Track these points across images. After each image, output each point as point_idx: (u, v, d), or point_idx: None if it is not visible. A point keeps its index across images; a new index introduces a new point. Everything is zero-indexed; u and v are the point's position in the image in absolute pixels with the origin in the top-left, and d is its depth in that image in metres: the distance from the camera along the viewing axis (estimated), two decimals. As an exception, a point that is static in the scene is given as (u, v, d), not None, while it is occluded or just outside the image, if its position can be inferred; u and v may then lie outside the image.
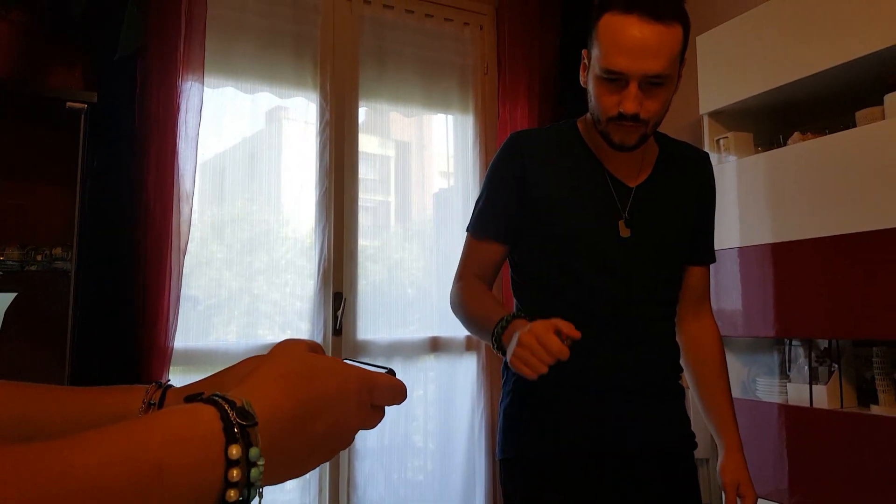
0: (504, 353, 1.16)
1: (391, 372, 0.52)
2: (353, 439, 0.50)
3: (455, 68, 2.94)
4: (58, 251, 1.84)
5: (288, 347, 0.48)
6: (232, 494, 0.37)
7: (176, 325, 2.09)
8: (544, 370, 1.03)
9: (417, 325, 2.76)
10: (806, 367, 2.19)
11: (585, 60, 1.30)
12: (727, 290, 2.41)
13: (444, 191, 2.98)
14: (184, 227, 2.12)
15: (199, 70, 2.20)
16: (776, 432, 2.19)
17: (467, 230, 1.43)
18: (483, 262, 1.39)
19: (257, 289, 2.47)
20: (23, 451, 0.31)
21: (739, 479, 1.34)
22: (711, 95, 2.55)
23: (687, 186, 1.41)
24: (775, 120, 2.56)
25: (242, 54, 2.46)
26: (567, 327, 1.05)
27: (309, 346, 0.49)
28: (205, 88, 2.23)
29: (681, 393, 1.37)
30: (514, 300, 1.46)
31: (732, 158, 2.49)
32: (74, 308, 1.73)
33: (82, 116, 1.79)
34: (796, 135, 2.32)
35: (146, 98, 2.09)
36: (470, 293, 1.34)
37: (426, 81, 2.87)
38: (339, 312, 2.57)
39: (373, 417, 0.50)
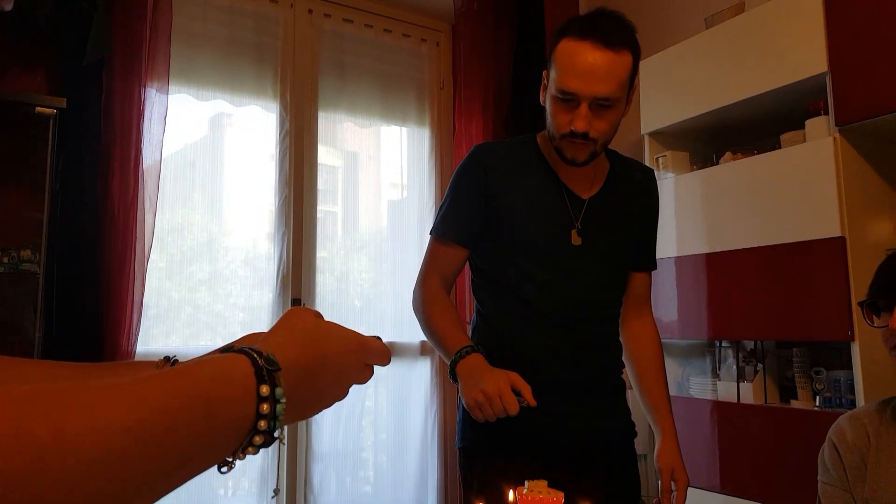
0: (456, 380, 1.28)
1: (378, 338, 0.64)
2: (348, 391, 0.61)
3: (413, 82, 3.05)
4: (26, 253, 1.85)
5: (299, 314, 0.59)
6: (262, 424, 0.47)
7: (139, 330, 2.12)
8: (493, 419, 1.17)
9: (368, 331, 2.83)
10: (734, 367, 2.39)
11: (545, 81, 1.40)
12: (665, 296, 2.60)
13: (397, 202, 3.05)
14: (147, 234, 2.15)
15: (164, 77, 2.23)
16: (708, 426, 2.38)
17: (431, 233, 1.51)
18: (445, 264, 1.48)
19: (201, 299, 2.48)
20: (109, 385, 0.40)
21: (674, 465, 1.45)
22: (652, 117, 2.75)
23: (634, 200, 1.54)
24: (709, 141, 2.78)
25: (204, 63, 2.50)
26: (526, 391, 1.17)
27: (315, 314, 0.61)
28: (168, 96, 2.27)
29: (622, 387, 1.51)
30: (474, 299, 1.56)
31: (670, 175, 2.69)
32: (42, 310, 1.75)
33: (51, 121, 1.81)
34: (728, 154, 2.53)
35: (111, 104, 2.11)
36: (431, 304, 1.43)
37: (385, 94, 2.96)
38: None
39: (365, 374, 0.62)
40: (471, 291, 1.59)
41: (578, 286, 1.42)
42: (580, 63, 1.29)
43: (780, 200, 2.24)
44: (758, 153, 2.40)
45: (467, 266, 1.56)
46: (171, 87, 2.37)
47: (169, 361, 0.72)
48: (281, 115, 2.70)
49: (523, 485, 0.92)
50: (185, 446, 0.42)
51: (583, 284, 1.43)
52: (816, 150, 2.17)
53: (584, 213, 1.45)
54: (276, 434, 0.49)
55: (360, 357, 0.61)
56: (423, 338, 2.88)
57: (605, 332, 1.48)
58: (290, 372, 0.51)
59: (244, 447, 0.48)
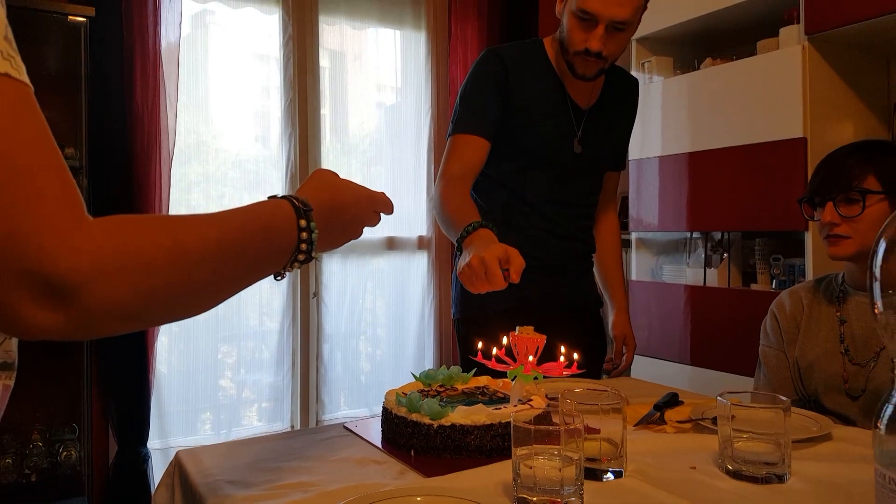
0: (458, 246, 1.31)
1: (383, 193, 0.89)
2: (362, 232, 0.86)
3: (408, -15, 3.10)
4: (69, 151, 2.03)
5: (322, 173, 0.83)
6: (303, 246, 0.71)
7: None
8: (482, 291, 1.15)
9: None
10: (703, 255, 2.66)
11: None
12: (647, 193, 2.83)
13: (392, 106, 3.13)
14: (171, 135, 2.32)
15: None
16: (678, 307, 2.68)
17: (450, 133, 1.54)
18: (465, 159, 1.50)
19: (195, 199, 2.56)
20: (203, 215, 0.61)
21: (625, 332, 1.74)
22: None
23: (623, 108, 1.71)
24: (692, 46, 2.92)
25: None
26: (516, 267, 1.13)
27: (334, 174, 0.84)
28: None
29: (591, 269, 1.76)
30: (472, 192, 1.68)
31: (658, 79, 2.84)
32: (88, 201, 1.95)
33: (82, 29, 1.93)
34: (708, 60, 2.68)
35: (131, 12, 2.22)
36: (448, 195, 1.44)
37: (381, -3, 3.03)
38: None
39: (374, 219, 0.88)
40: None
41: (572, 189, 1.61)
42: None
43: (754, 104, 2.42)
44: (736, 59, 2.55)
45: None
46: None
47: None
48: (283, 20, 2.79)
49: (515, 330, 1.15)
50: (252, 257, 0.65)
51: (576, 187, 1.62)
52: (787, 57, 2.33)
53: (585, 123, 1.59)
54: (313, 254, 0.72)
55: (370, 205, 0.86)
56: (421, 233, 3.17)
57: (585, 227, 1.70)
58: (319, 213, 0.73)
59: (291, 262, 0.71)
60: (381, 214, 0.89)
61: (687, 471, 0.88)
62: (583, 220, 1.68)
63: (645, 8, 1.47)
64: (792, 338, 1.45)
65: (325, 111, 2.93)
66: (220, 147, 2.70)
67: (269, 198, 0.73)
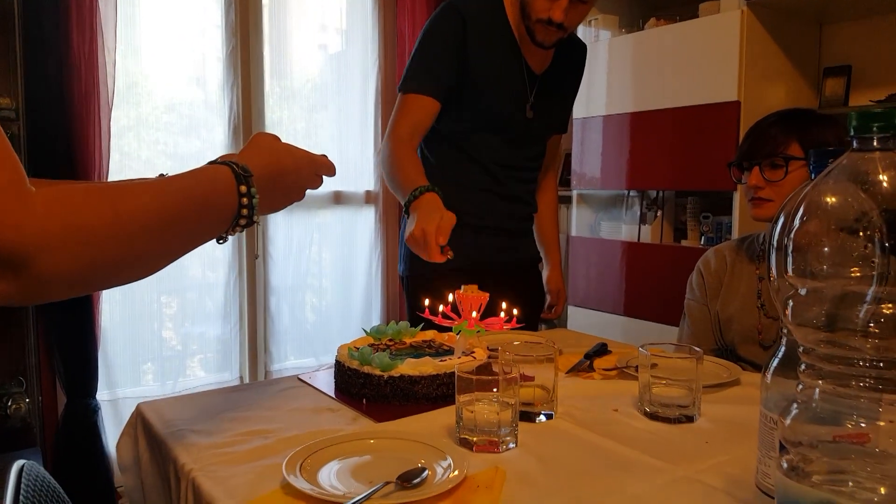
0: (405, 209, 1.36)
1: (325, 156, 0.92)
2: (304, 194, 0.89)
3: (356, -69, 3.03)
4: (5, 101, 1.96)
5: (262, 136, 0.86)
6: (244, 212, 0.74)
7: (108, 173, 2.29)
8: (425, 260, 1.22)
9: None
10: (638, 213, 2.79)
11: None
12: (590, 153, 2.92)
13: (337, 54, 3.08)
14: (109, 81, 2.25)
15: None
16: (614, 262, 2.82)
17: (400, 90, 1.54)
18: (415, 119, 1.50)
19: (127, 145, 2.48)
20: (142, 183, 0.64)
21: (559, 286, 1.88)
22: (586, -20, 2.90)
23: (572, 74, 1.76)
24: (637, 6, 2.98)
25: None
26: (444, 239, 1.21)
27: (274, 137, 0.86)
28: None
29: (532, 229, 1.83)
30: (422, 147, 1.65)
31: (605, 37, 2.90)
32: (24, 150, 1.89)
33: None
34: (652, 20, 2.76)
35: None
36: (396, 156, 1.46)
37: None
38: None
39: (316, 182, 0.91)
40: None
41: (521, 153, 1.66)
42: None
43: (694, 66, 2.52)
44: (679, 20, 2.63)
45: None
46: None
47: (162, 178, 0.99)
48: (226, -38, 2.71)
49: (460, 288, 1.22)
50: (193, 224, 0.68)
51: (525, 151, 1.67)
52: (726, 20, 2.42)
53: (537, 89, 1.62)
54: (254, 219, 0.75)
55: (311, 168, 0.89)
56: (368, 187, 3.19)
57: (530, 189, 1.76)
58: (259, 178, 0.76)
59: (233, 227, 0.75)
60: (324, 177, 0.93)
61: (610, 413, 0.98)
62: (529, 183, 1.74)
63: None
64: (715, 293, 1.56)
65: (266, 52, 2.85)
66: (153, 89, 2.61)
67: (209, 163, 0.75)
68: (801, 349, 0.48)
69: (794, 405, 0.48)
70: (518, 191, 1.69)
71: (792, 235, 0.48)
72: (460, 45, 1.52)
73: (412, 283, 1.68)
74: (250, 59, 2.79)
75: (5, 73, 2.05)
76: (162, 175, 0.98)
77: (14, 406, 2.15)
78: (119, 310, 2.54)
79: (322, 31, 3.06)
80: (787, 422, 0.47)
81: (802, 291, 0.48)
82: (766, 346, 1.46)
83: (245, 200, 0.73)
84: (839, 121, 1.43)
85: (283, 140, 0.88)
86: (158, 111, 2.63)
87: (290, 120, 2.97)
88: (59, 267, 0.52)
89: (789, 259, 0.48)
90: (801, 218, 0.48)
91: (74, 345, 2.33)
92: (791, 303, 0.49)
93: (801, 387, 0.48)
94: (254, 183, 0.74)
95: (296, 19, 2.94)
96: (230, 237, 0.76)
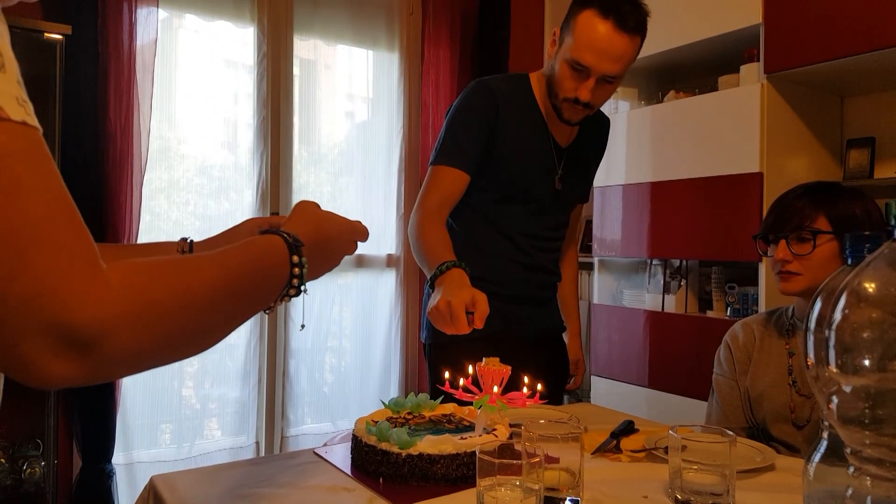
0: (430, 283, 1.35)
1: (359, 222, 0.91)
2: (340, 261, 0.89)
3: (382, 8, 3.16)
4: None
5: (306, 205, 0.86)
6: (294, 282, 0.73)
7: (138, 234, 2.33)
8: (447, 333, 1.22)
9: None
10: (661, 282, 2.75)
11: (556, 37, 1.51)
12: (611, 220, 2.92)
13: (364, 122, 3.16)
14: (143, 152, 2.32)
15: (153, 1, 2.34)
16: (637, 331, 2.77)
17: (432, 163, 1.57)
18: (445, 191, 1.53)
19: (158, 207, 2.54)
20: (202, 257, 0.63)
21: (578, 356, 1.87)
22: (607, 53, 2.97)
23: (596, 146, 1.79)
24: (657, 79, 3.04)
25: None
26: (480, 313, 1.20)
27: (316, 205, 0.87)
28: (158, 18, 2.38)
29: (555, 297, 1.82)
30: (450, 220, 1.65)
31: (624, 108, 2.94)
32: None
33: (58, 47, 1.93)
34: (672, 93, 2.80)
35: (107, 29, 2.23)
36: (425, 228, 1.47)
37: (355, 18, 3.08)
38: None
39: (352, 248, 0.91)
40: None
41: (546, 223, 1.67)
42: (599, 41, 1.40)
43: (714, 138, 2.53)
44: (699, 93, 2.67)
45: None
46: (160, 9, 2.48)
47: (186, 241, 1.01)
48: (258, 37, 2.82)
49: (481, 361, 1.20)
50: (251, 295, 0.68)
51: (550, 221, 1.69)
52: (746, 93, 2.44)
53: (565, 161, 1.66)
54: (302, 288, 0.75)
55: (350, 235, 0.90)
56: (390, 251, 3.21)
57: (554, 259, 1.77)
58: (306, 246, 0.76)
59: (282, 297, 0.74)
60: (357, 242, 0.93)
61: (639, 500, 0.93)
62: (552, 252, 1.74)
63: (633, 62, 1.51)
64: (744, 368, 1.51)
65: (295, 120, 2.94)
66: (185, 153, 2.69)
67: (261, 233, 0.76)
68: (848, 450, 0.46)
69: (844, 512, 0.45)
70: (542, 260, 1.69)
71: (834, 328, 0.46)
72: (491, 120, 1.55)
73: (434, 352, 1.66)
74: (280, 125, 2.87)
75: (44, 136, 2.11)
76: (185, 239, 1.01)
77: (29, 470, 2.12)
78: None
79: (349, 100, 3.16)
80: (837, 530, 0.44)
81: (847, 388, 0.46)
82: (799, 426, 1.40)
83: (297, 270, 0.73)
84: (866, 194, 1.43)
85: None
86: (190, 174, 2.71)
87: (316, 184, 3.03)
88: (132, 345, 0.50)
89: (831, 353, 0.46)
90: (843, 310, 0.46)
91: (94, 406, 2.32)
92: (836, 399, 0.46)
93: (850, 491, 0.45)
94: (303, 252, 0.74)
95: (324, 89, 3.05)
96: (276, 307, 0.76)
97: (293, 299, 0.76)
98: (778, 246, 1.40)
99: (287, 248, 0.73)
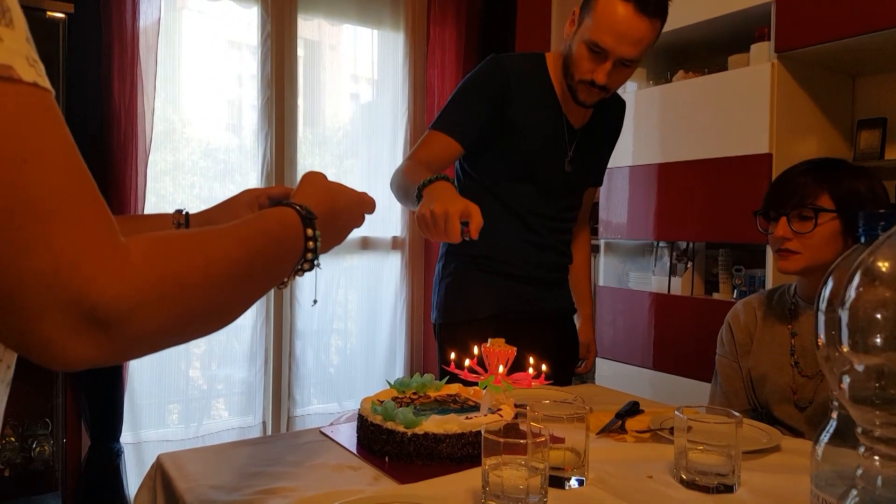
0: (417, 194, 1.26)
1: (366, 193, 0.89)
2: (350, 233, 0.86)
3: (388, -14, 3.13)
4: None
5: (315, 176, 0.84)
6: (309, 256, 0.71)
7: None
8: (434, 241, 1.23)
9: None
10: (668, 264, 2.74)
11: (575, 17, 1.49)
12: (617, 201, 2.90)
13: (368, 103, 3.14)
14: (147, 132, 2.31)
15: (156, -21, 2.32)
16: (643, 313, 2.76)
17: (431, 127, 1.55)
18: (436, 153, 1.51)
19: (163, 188, 2.54)
20: (220, 229, 0.61)
21: (589, 339, 1.87)
22: (615, 32, 2.93)
23: (610, 128, 1.77)
24: (665, 58, 3.00)
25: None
26: (476, 224, 1.12)
27: (324, 176, 0.85)
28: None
29: (566, 278, 1.81)
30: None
31: (632, 89, 2.91)
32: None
33: (61, 26, 1.92)
34: (681, 73, 2.76)
35: (109, 8, 2.21)
36: (410, 169, 1.44)
37: (361, -2, 3.05)
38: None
39: (360, 219, 0.89)
40: None
41: (557, 204, 1.66)
42: (619, 23, 1.38)
43: (723, 118, 2.51)
44: (708, 73, 2.63)
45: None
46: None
47: (182, 213, 0.98)
48: (262, 16, 2.80)
49: (487, 342, 1.20)
50: (268, 270, 0.66)
51: (561, 203, 1.67)
52: (756, 73, 2.41)
53: (576, 144, 1.63)
54: (316, 262, 0.73)
55: (359, 207, 0.88)
56: (395, 233, 3.20)
57: (565, 240, 1.75)
58: (319, 218, 0.74)
59: (296, 271, 0.73)
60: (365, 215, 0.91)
61: (644, 480, 0.93)
62: (563, 234, 1.73)
63: (652, 46, 1.49)
64: (745, 349, 1.50)
65: (300, 102, 2.92)
66: (190, 135, 2.68)
67: (272, 205, 0.73)
68: (859, 430, 0.45)
69: (854, 491, 0.44)
70: (552, 240, 1.68)
71: (847, 307, 0.45)
72: (499, 96, 1.53)
73: (445, 332, 1.66)
74: (285, 107, 2.86)
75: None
76: (180, 211, 0.99)
77: (38, 448, 2.14)
78: (146, 352, 2.55)
79: (354, 82, 3.13)
80: (847, 510, 0.43)
81: (859, 368, 0.45)
82: (801, 407, 1.39)
83: (311, 244, 0.71)
84: (872, 173, 1.39)
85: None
86: (195, 157, 2.70)
87: (321, 166, 3.01)
88: (155, 324, 0.48)
89: (844, 332, 0.46)
90: (857, 288, 0.45)
91: (102, 386, 2.34)
92: (847, 379, 0.46)
93: (860, 470, 0.45)
94: (315, 225, 0.72)
95: (329, 70, 3.02)
96: (289, 283, 0.74)
97: (306, 274, 0.74)
98: (778, 223, 1.36)
99: (301, 221, 0.71)
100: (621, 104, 1.80)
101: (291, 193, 0.80)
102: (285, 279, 0.72)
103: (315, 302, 2.85)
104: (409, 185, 1.33)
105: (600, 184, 1.86)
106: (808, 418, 1.37)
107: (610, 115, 1.74)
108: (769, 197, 1.42)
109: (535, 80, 1.59)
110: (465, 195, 1.59)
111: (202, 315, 0.55)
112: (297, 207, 0.71)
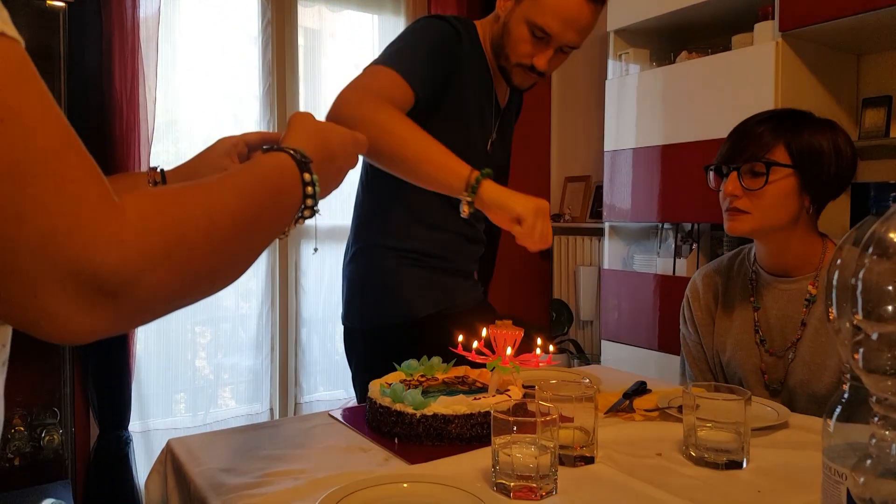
0: (469, 206, 1.12)
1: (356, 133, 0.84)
2: (345, 177, 0.82)
3: (388, -31, 3.11)
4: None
5: (304, 117, 0.77)
6: (309, 202, 0.68)
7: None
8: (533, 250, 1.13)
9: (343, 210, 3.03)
10: (673, 246, 2.74)
11: None
12: (621, 184, 2.89)
13: None
14: (149, 121, 2.31)
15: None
16: (647, 295, 2.76)
17: (383, 62, 1.25)
18: (387, 91, 1.20)
19: None
20: (214, 181, 0.57)
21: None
22: (618, 15, 2.91)
23: (518, 107, 1.61)
24: (668, 39, 2.97)
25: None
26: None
27: (312, 116, 0.79)
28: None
29: None
30: (362, 193, 1.45)
31: (635, 71, 2.89)
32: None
33: (61, 15, 1.91)
34: (684, 53, 2.74)
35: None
36: (399, 116, 1.16)
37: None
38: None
39: (354, 160, 0.84)
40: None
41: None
42: (568, 9, 1.27)
43: (727, 98, 2.49)
44: (711, 53, 2.61)
45: None
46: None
47: (157, 171, 0.93)
48: (262, 4, 2.78)
49: (494, 323, 1.20)
50: (269, 220, 0.62)
51: None
52: (761, 53, 2.39)
53: (499, 124, 1.49)
54: (316, 209, 0.69)
55: (353, 147, 0.83)
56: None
57: (487, 229, 1.54)
58: (314, 162, 0.68)
59: (297, 219, 0.68)
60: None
61: (653, 457, 0.93)
62: (483, 223, 1.52)
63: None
64: (708, 329, 1.40)
65: (301, 90, 2.91)
66: (191, 125, 2.68)
67: (265, 150, 0.69)
68: (873, 398, 0.45)
69: (868, 460, 0.44)
70: (478, 233, 1.52)
71: (861, 275, 0.45)
72: (451, 64, 1.32)
73: (370, 338, 1.47)
74: (286, 95, 2.84)
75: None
76: (154, 169, 0.92)
77: (48, 437, 2.16)
78: (154, 339, 2.57)
79: (355, 68, 3.09)
80: (861, 479, 0.43)
81: (874, 336, 0.45)
82: (773, 389, 1.30)
83: (310, 189, 0.66)
84: (841, 128, 1.26)
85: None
86: (197, 146, 2.66)
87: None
88: (163, 286, 0.45)
89: (859, 300, 0.45)
90: (872, 256, 0.45)
91: (109, 375, 2.35)
92: (862, 348, 0.45)
93: (874, 440, 0.45)
94: (312, 169, 0.67)
95: (329, 58, 3.01)
96: (290, 231, 0.71)
97: (307, 222, 0.70)
98: (728, 178, 1.23)
99: (297, 167, 0.66)
100: None
101: (281, 137, 0.74)
102: (286, 229, 0.69)
103: (315, 250, 2.80)
104: (428, 162, 1.15)
105: (507, 170, 1.64)
106: (783, 403, 1.21)
107: (519, 95, 1.58)
108: (722, 149, 1.28)
109: (471, 50, 1.38)
110: (396, 189, 1.35)
111: (209, 273, 0.52)
112: (292, 152, 0.67)
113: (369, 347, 1.45)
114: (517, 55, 1.34)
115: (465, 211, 1.14)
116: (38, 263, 0.39)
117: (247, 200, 0.57)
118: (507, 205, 1.11)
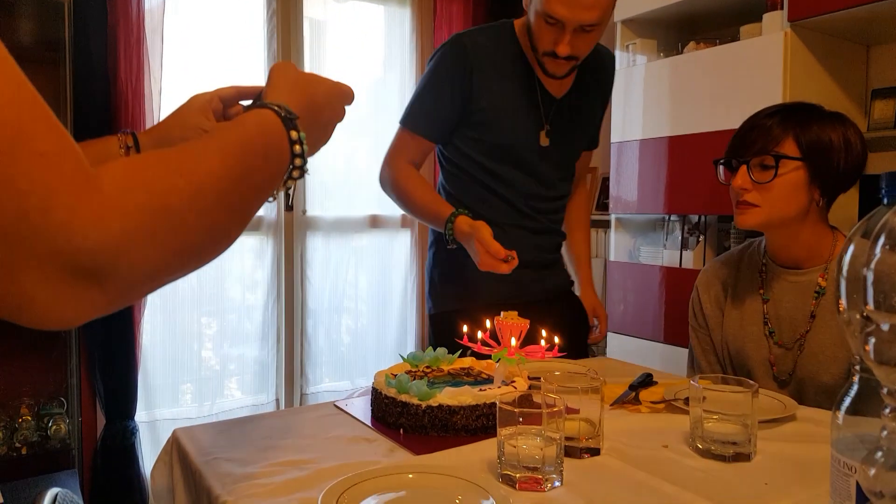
0: (451, 242, 1.41)
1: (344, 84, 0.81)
2: (334, 129, 0.79)
3: (394, -40, 3.09)
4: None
5: (285, 67, 0.73)
6: (297, 161, 0.63)
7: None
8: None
9: (363, 204, 3.04)
10: (679, 238, 2.72)
11: None
12: (627, 175, 2.87)
13: (377, 81, 3.12)
14: (155, 113, 2.31)
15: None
16: (654, 287, 2.75)
17: (400, 123, 1.55)
18: (413, 153, 1.54)
19: None
20: (199, 146, 0.53)
21: (594, 304, 1.76)
22: (625, 4, 2.89)
23: (598, 90, 1.64)
24: (676, 30, 2.95)
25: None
26: (498, 250, 1.31)
27: (294, 66, 0.76)
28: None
29: (560, 259, 1.74)
30: (444, 184, 1.62)
31: (642, 61, 2.87)
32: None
33: (66, 6, 1.91)
34: (692, 44, 2.72)
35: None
36: (405, 179, 1.51)
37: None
38: (291, 191, 2.81)
39: (342, 113, 0.78)
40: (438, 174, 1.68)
41: (541, 182, 1.56)
42: None
43: (735, 89, 2.47)
44: (719, 43, 2.59)
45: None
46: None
47: (128, 134, 0.88)
48: (267, -4, 2.77)
49: (499, 315, 1.19)
50: (256, 183, 0.58)
51: (545, 181, 1.57)
52: (769, 43, 2.37)
53: (554, 113, 1.54)
54: (305, 168, 0.65)
55: (340, 99, 0.77)
56: (404, 211, 3.18)
57: (558, 219, 1.67)
58: (300, 118, 0.64)
59: (285, 180, 0.64)
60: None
61: (659, 449, 0.93)
62: (556, 213, 1.66)
63: (614, 5, 1.39)
64: (717, 321, 1.40)
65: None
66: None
67: (247, 108, 0.65)
68: (885, 390, 0.44)
69: (879, 452, 0.44)
70: (546, 222, 1.62)
71: (872, 266, 0.44)
72: (464, 84, 1.48)
73: (440, 323, 1.63)
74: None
75: (55, 100, 2.11)
76: (125, 132, 0.87)
77: (54, 427, 2.17)
78: (160, 330, 2.58)
79: (361, 60, 3.10)
80: (872, 471, 0.43)
81: (885, 327, 0.44)
82: (782, 381, 1.30)
83: (297, 148, 0.62)
84: (850, 121, 1.26)
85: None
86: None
87: (328, 145, 2.98)
88: (148, 262, 0.43)
89: (869, 291, 0.45)
90: (884, 246, 0.44)
91: (115, 365, 2.36)
92: (873, 339, 0.45)
93: (885, 432, 0.44)
94: (298, 126, 0.63)
95: (336, 47, 2.99)
96: (280, 194, 0.68)
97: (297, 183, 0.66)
98: (737, 172, 1.24)
99: (283, 124, 0.62)
100: (608, 57, 1.68)
101: (262, 92, 0.70)
102: (274, 192, 0.65)
103: (291, 208, 2.77)
104: (419, 209, 1.51)
105: (594, 146, 1.77)
106: (790, 395, 1.23)
107: (595, 73, 1.62)
108: (732, 143, 1.29)
109: (503, 55, 1.50)
110: (452, 183, 1.60)
111: (196, 243, 0.50)
112: (276, 108, 0.63)
113: (435, 333, 1.66)
114: (542, 45, 1.41)
115: (449, 244, 1.43)
116: (13, 248, 0.37)
117: (231, 164, 0.54)
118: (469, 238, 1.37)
